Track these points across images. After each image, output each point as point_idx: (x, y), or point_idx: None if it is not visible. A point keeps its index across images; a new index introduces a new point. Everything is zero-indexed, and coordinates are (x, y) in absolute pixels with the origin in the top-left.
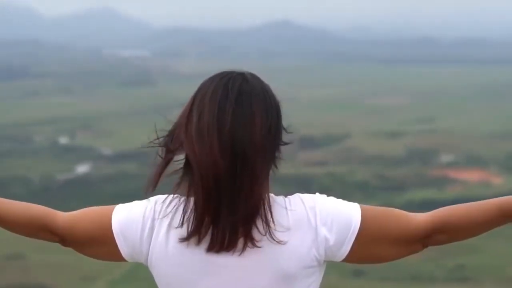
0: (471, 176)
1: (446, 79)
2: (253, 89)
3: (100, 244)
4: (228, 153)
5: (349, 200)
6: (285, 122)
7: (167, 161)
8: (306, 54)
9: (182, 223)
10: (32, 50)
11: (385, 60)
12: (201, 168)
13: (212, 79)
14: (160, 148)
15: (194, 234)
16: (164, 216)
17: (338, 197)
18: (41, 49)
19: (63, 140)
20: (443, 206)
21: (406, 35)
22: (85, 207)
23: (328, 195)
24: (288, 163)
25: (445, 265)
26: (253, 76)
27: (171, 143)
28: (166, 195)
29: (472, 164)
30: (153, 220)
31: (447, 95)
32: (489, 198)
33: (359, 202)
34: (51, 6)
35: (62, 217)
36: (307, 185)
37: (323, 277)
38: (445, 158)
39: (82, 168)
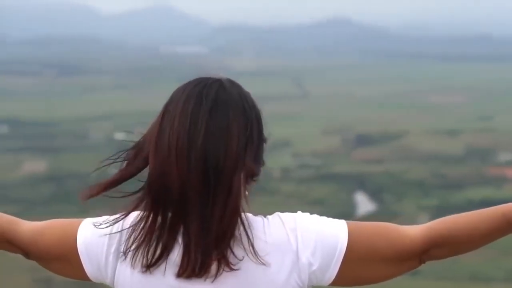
0: None
1: (504, 76)
2: (230, 97)
3: (64, 261)
4: (200, 170)
5: (406, 198)
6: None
7: (125, 176)
8: (363, 52)
9: (148, 250)
10: (90, 47)
11: (443, 58)
12: (165, 186)
13: (185, 86)
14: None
15: (159, 260)
16: (131, 237)
17: (395, 195)
18: (99, 45)
19: (120, 136)
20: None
21: (464, 32)
22: None
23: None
24: (344, 160)
25: (503, 266)
26: (232, 82)
27: (134, 158)
28: (134, 212)
29: None
30: (120, 240)
31: (505, 93)
32: None
33: (415, 201)
34: (109, 3)
35: (25, 228)
36: (362, 183)
37: None
38: (504, 156)
39: None
